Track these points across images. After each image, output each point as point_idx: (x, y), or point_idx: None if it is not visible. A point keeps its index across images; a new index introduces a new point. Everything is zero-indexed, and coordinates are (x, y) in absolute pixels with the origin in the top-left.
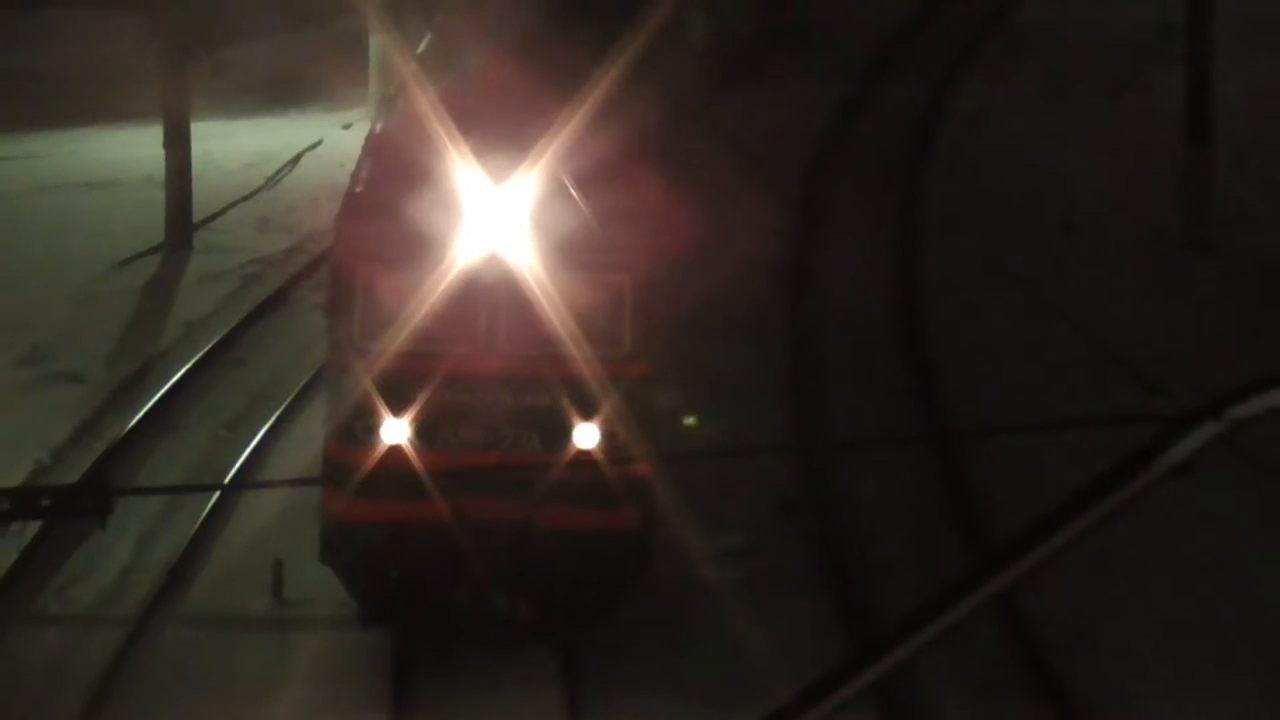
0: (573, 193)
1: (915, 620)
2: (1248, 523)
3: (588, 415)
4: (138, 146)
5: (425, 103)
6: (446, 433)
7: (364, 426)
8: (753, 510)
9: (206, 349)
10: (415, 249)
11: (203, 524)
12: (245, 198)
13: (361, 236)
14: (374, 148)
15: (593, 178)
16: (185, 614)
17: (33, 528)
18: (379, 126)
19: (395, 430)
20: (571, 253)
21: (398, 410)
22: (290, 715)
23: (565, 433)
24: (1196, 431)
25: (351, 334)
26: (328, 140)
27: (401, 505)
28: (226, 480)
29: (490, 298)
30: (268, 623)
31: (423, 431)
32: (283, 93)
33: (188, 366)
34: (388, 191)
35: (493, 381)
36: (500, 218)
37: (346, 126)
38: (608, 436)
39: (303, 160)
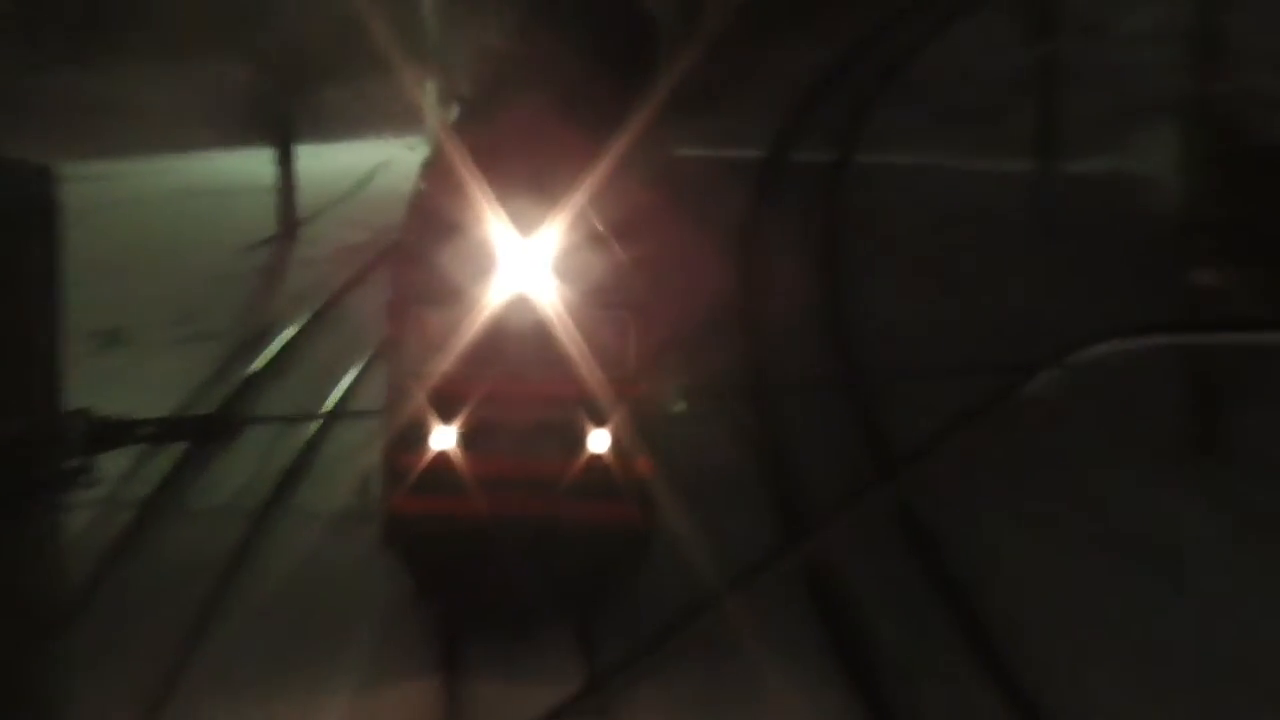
0: (586, 245)
1: (841, 505)
2: (1090, 446)
3: (599, 425)
4: (247, 165)
5: (462, 164)
6: (483, 441)
7: (416, 436)
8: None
9: (308, 315)
10: (456, 291)
11: (307, 444)
12: (336, 201)
13: (412, 282)
14: (420, 203)
15: (602, 231)
16: (294, 509)
17: (180, 447)
18: (422, 184)
19: (442, 439)
20: (585, 293)
21: (444, 420)
22: (372, 582)
23: (581, 440)
24: (1045, 373)
25: (405, 360)
26: (395, 160)
27: (447, 501)
28: (325, 409)
29: (519, 330)
30: (355, 517)
31: (464, 440)
32: (368, 120)
33: (296, 327)
34: (433, 243)
35: (521, 398)
36: (526, 265)
37: (410, 149)
38: (615, 443)
39: (376, 174)
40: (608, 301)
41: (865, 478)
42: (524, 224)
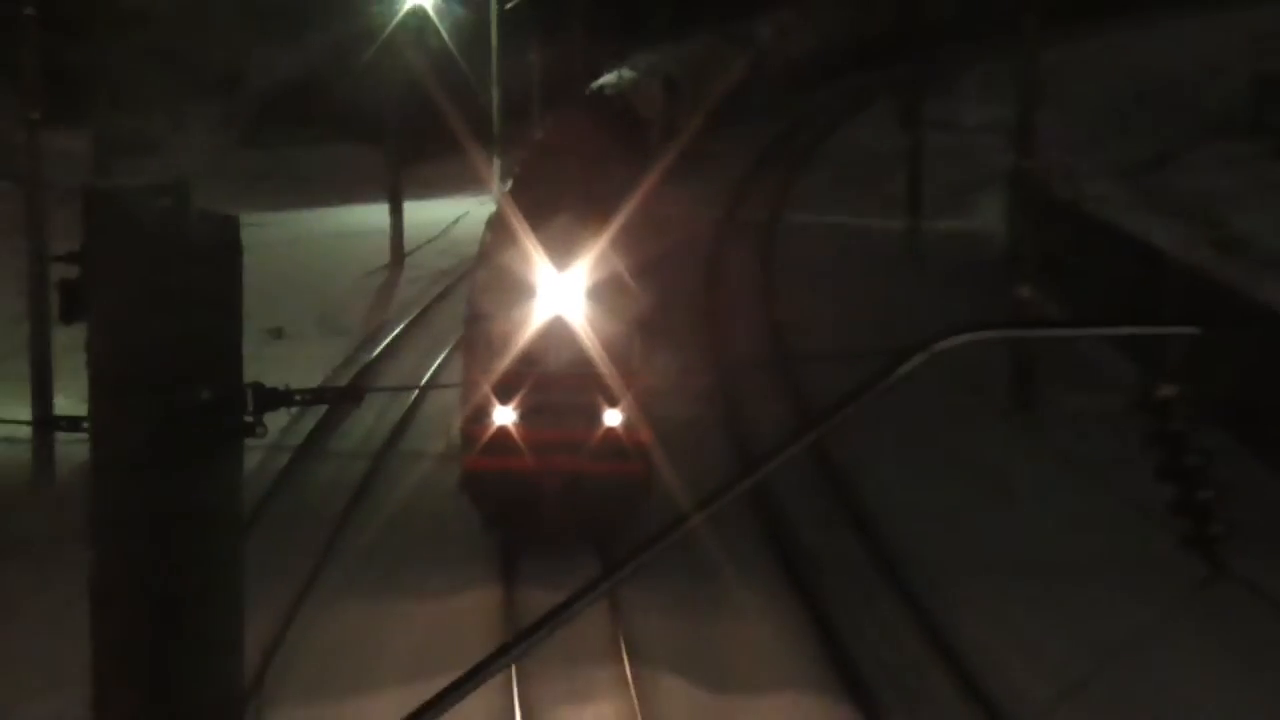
0: (604, 279)
1: (776, 450)
2: (946, 408)
3: (613, 405)
4: (371, 216)
5: (515, 219)
6: (532, 417)
7: (484, 413)
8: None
9: (410, 317)
10: (513, 312)
11: (411, 405)
12: (430, 240)
13: (483, 305)
14: (486, 249)
15: (616, 269)
16: (404, 451)
17: (323, 409)
18: (488, 234)
19: (503, 415)
20: (602, 311)
21: (504, 403)
22: (456, 504)
23: (600, 416)
24: (915, 356)
25: (477, 359)
26: (472, 211)
27: (506, 460)
28: (422, 383)
29: (557, 338)
30: (447, 457)
31: (518, 416)
32: (449, 186)
33: (402, 325)
34: (495, 277)
35: (558, 386)
36: (562, 293)
37: (481, 204)
38: (625, 418)
39: (458, 222)
40: (618, 319)
41: (794, 428)
42: (561, 264)
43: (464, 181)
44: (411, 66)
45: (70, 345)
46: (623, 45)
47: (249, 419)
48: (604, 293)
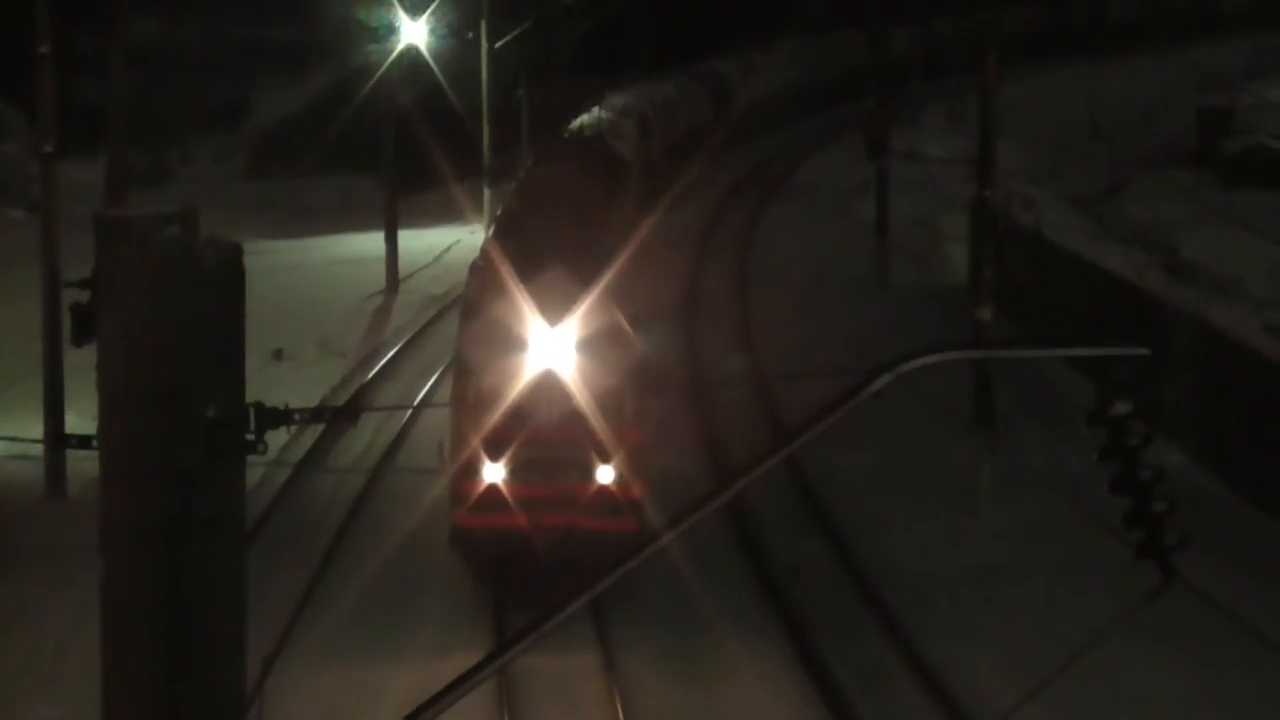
0: (596, 332)
1: (750, 465)
2: (913, 422)
3: (606, 461)
4: (368, 244)
5: (503, 271)
6: (523, 473)
7: (474, 469)
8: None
9: (404, 340)
10: (504, 363)
11: (404, 424)
12: (424, 267)
13: (473, 357)
14: (473, 300)
15: (607, 322)
16: (398, 466)
17: (319, 427)
18: (473, 283)
19: (493, 472)
20: (594, 365)
21: (494, 459)
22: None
23: (592, 472)
24: (882, 376)
25: (466, 413)
26: (463, 240)
27: (497, 517)
28: (416, 402)
29: (549, 392)
30: (436, 473)
31: (509, 472)
32: (442, 215)
33: (396, 348)
34: (483, 329)
35: (550, 442)
36: (554, 346)
37: (472, 232)
38: (618, 475)
39: (450, 249)
40: (611, 371)
41: (768, 441)
42: (551, 316)
43: (456, 211)
44: (407, 102)
45: (81, 366)
46: (604, 81)
47: (251, 436)
48: (596, 344)
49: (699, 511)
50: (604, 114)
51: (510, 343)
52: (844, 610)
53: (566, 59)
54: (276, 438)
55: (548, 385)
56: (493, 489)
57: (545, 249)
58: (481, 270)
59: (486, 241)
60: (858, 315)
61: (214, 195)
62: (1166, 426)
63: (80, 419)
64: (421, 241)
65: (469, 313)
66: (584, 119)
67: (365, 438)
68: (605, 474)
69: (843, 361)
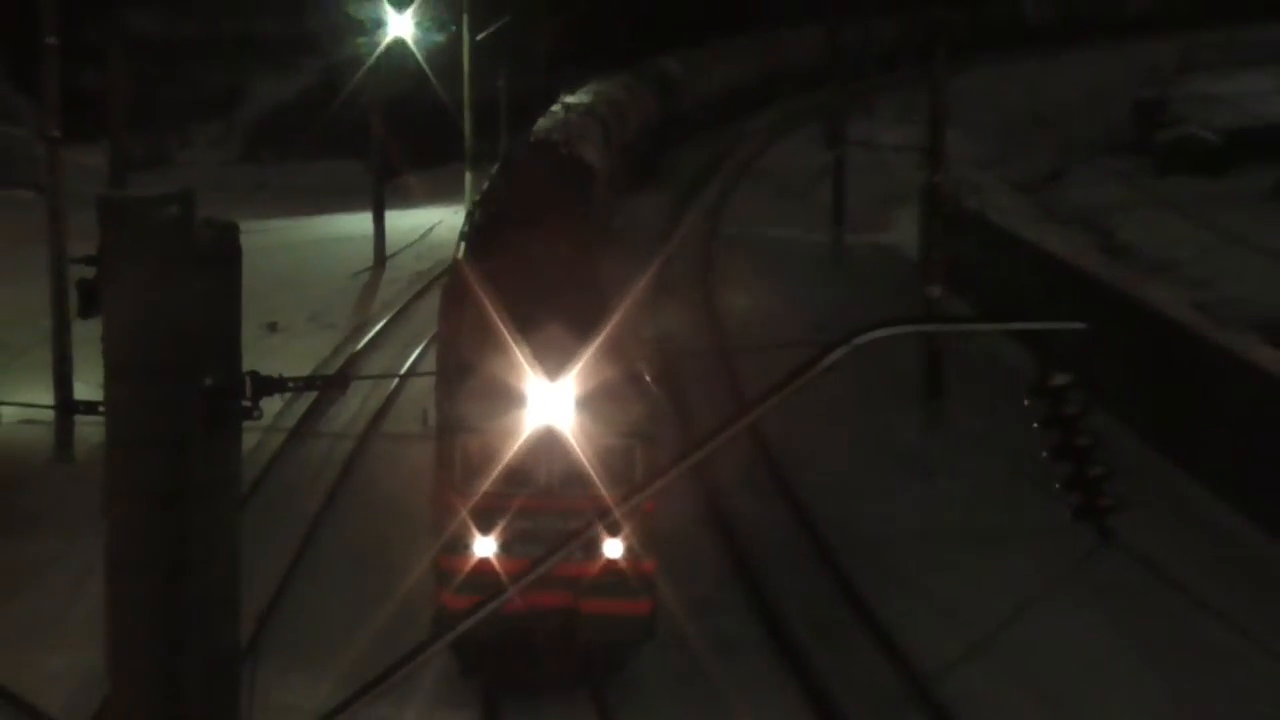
0: (598, 386)
1: (715, 431)
2: (866, 392)
3: (614, 534)
4: (355, 223)
5: (490, 315)
6: (518, 547)
7: (462, 543)
8: None
9: (391, 313)
10: (496, 424)
11: (391, 392)
12: (408, 245)
13: (460, 416)
14: (459, 355)
15: (609, 373)
16: (384, 433)
17: (311, 395)
18: (460, 336)
19: (484, 546)
20: (599, 425)
21: (485, 532)
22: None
23: (598, 547)
24: (839, 349)
25: (453, 479)
26: (445, 219)
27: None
28: (403, 371)
29: (547, 455)
30: (420, 436)
31: (502, 546)
32: (427, 195)
33: (383, 321)
34: (475, 385)
35: (549, 512)
36: (551, 403)
37: (454, 213)
38: (627, 549)
39: (433, 229)
40: (619, 431)
41: (732, 409)
42: (549, 369)
43: (438, 193)
44: (393, 91)
45: (88, 338)
46: (579, 72)
47: (247, 403)
48: (601, 398)
49: (665, 476)
50: (561, 115)
51: (503, 397)
52: (801, 568)
53: (543, 52)
54: (271, 404)
55: (546, 446)
56: (483, 565)
57: (535, 285)
58: (457, 297)
59: (462, 264)
60: (816, 292)
61: (211, 178)
62: (1103, 398)
63: (87, 387)
64: (406, 221)
65: (454, 366)
66: (543, 122)
67: (354, 405)
68: (613, 547)
69: (802, 334)
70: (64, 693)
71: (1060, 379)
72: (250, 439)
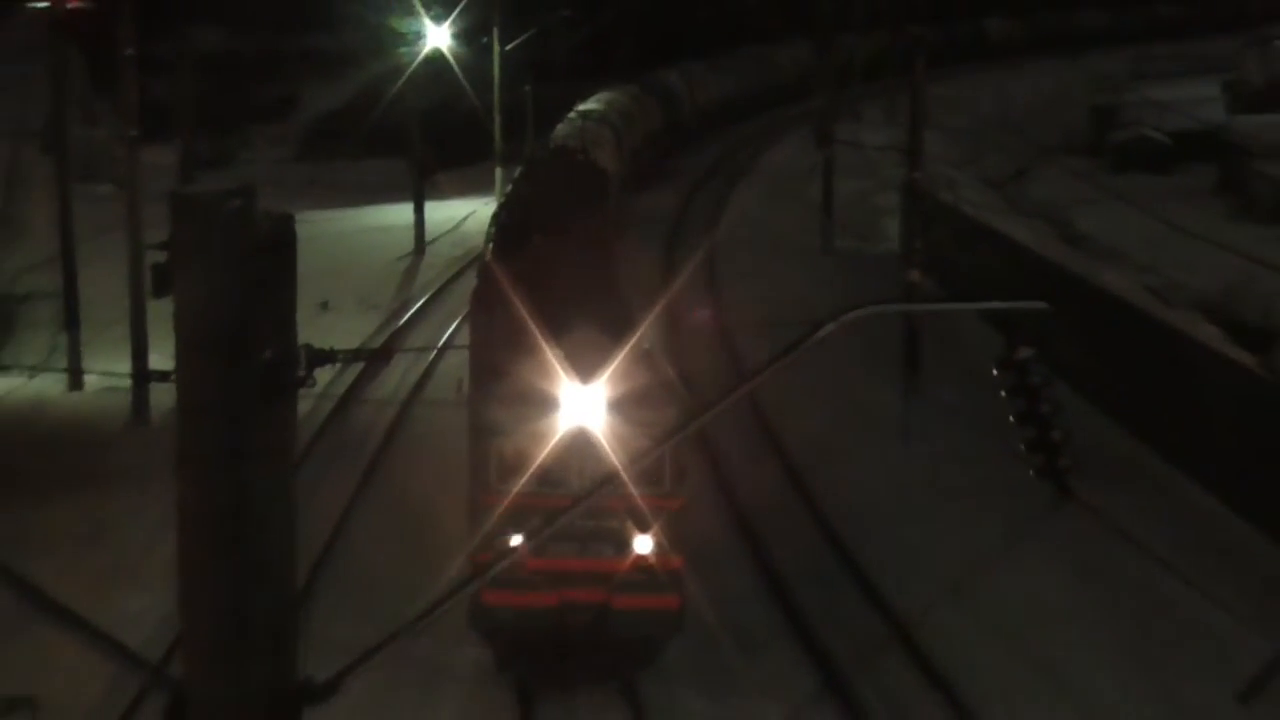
0: (628, 389)
1: (714, 401)
2: (852, 366)
3: (643, 531)
4: (398, 214)
5: (522, 317)
6: (550, 546)
7: (496, 540)
8: None
9: (429, 294)
10: (529, 427)
11: (429, 363)
12: (445, 233)
13: (494, 419)
14: (492, 358)
15: (636, 374)
16: (422, 399)
17: (358, 366)
18: (491, 339)
19: (519, 543)
20: (629, 425)
21: (519, 529)
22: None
23: (628, 543)
24: (827, 326)
25: (488, 479)
26: (477, 211)
27: (522, 594)
28: (440, 344)
29: (578, 455)
30: (455, 403)
31: (536, 544)
32: (460, 190)
33: (421, 301)
34: (509, 389)
35: (581, 510)
36: (583, 406)
37: (486, 205)
38: (656, 545)
39: (467, 219)
40: (649, 434)
41: (730, 381)
42: (579, 372)
43: (470, 188)
44: (430, 97)
45: (161, 315)
46: (591, 84)
47: (302, 374)
48: (632, 401)
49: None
50: (584, 124)
51: (536, 401)
52: (791, 519)
53: (565, 61)
54: (323, 375)
55: (577, 446)
56: (518, 562)
57: (565, 289)
58: (487, 301)
59: (491, 267)
60: (807, 277)
61: (269, 175)
62: (1063, 371)
63: (161, 358)
64: (443, 212)
65: (486, 369)
66: (565, 129)
67: (397, 375)
68: (643, 544)
69: (794, 314)
70: (142, 631)
71: (1024, 353)
72: (305, 405)
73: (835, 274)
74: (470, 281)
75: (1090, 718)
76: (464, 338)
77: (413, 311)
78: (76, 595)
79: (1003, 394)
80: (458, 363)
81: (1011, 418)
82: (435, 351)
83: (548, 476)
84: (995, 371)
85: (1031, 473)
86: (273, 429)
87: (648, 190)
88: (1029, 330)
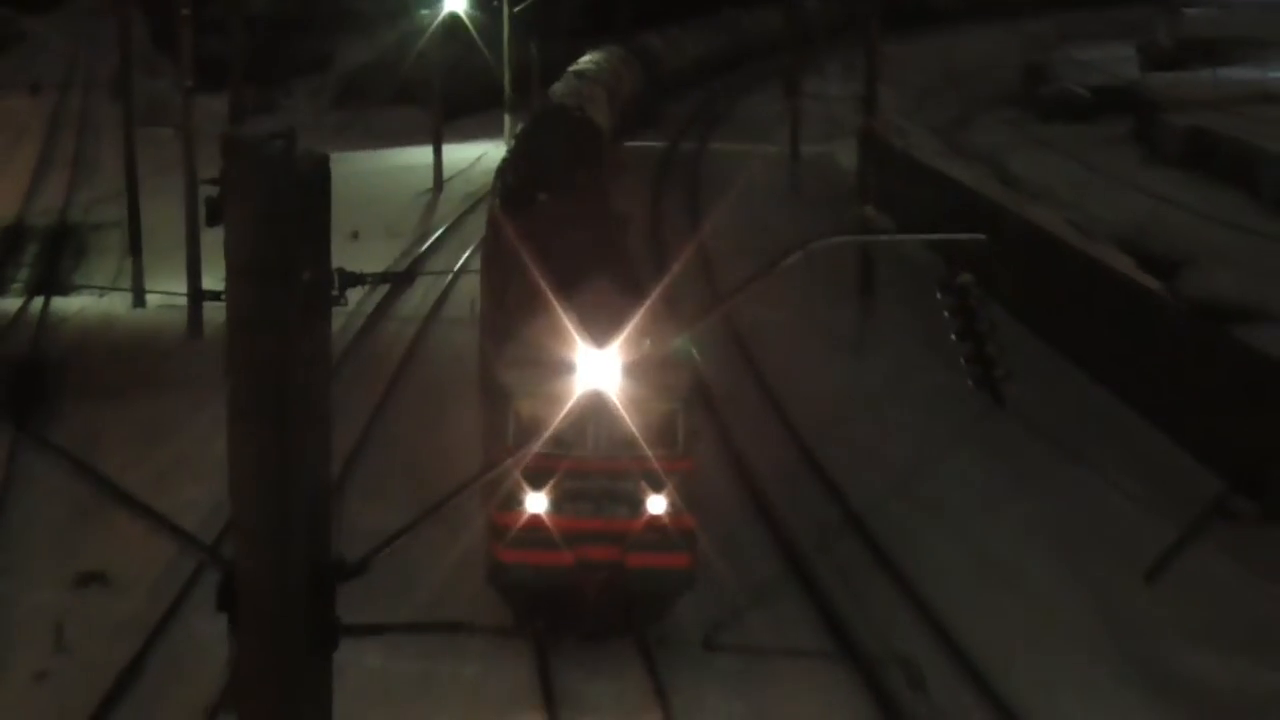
0: (644, 350)
1: (693, 317)
2: (814, 289)
3: (656, 491)
4: (419, 156)
5: (540, 281)
6: (567, 505)
7: (515, 500)
8: None
9: (446, 225)
10: (547, 387)
11: (447, 285)
12: (460, 172)
13: (515, 380)
14: (508, 320)
15: (652, 338)
16: (440, 318)
17: (385, 287)
18: (505, 298)
19: (535, 503)
20: (644, 389)
21: (536, 490)
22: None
23: (642, 503)
24: (794, 253)
25: (507, 440)
26: (488, 153)
27: (540, 552)
28: (456, 268)
29: (594, 418)
30: (466, 322)
31: (553, 504)
32: (475, 133)
33: (439, 231)
34: (528, 350)
35: (596, 472)
36: (600, 368)
37: (496, 147)
38: (669, 505)
39: (479, 160)
40: (663, 397)
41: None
42: (596, 336)
43: (482, 132)
44: (449, 53)
45: (213, 242)
46: (594, 41)
47: (336, 293)
48: (647, 364)
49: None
50: (580, 83)
51: (553, 364)
52: (759, 420)
53: (567, 23)
54: (354, 294)
55: (594, 409)
56: (535, 521)
57: (576, 249)
58: (499, 259)
59: (501, 224)
60: (776, 212)
61: (308, 121)
62: (997, 294)
63: (213, 280)
64: (458, 154)
65: (503, 330)
66: (562, 86)
67: (418, 295)
68: (657, 504)
69: (764, 243)
70: (198, 516)
71: (964, 278)
72: (338, 321)
73: (801, 210)
74: (479, 216)
75: (1017, 594)
76: (476, 263)
77: (432, 240)
78: (141, 485)
79: (945, 314)
80: (471, 285)
81: (952, 335)
82: (452, 275)
83: (565, 437)
84: (939, 294)
85: (970, 382)
86: (311, 341)
87: (637, 138)
88: (968, 258)
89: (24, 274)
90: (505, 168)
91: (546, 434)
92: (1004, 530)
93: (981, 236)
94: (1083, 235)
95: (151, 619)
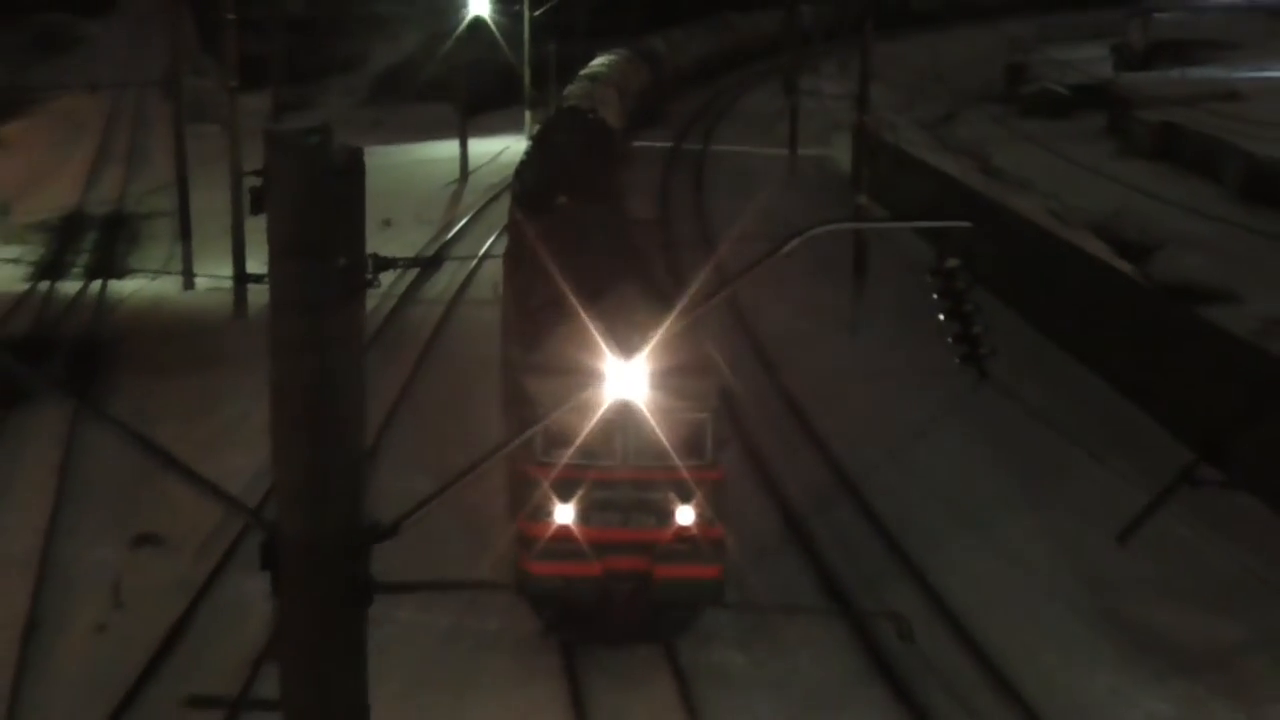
0: (671, 362)
1: (707, 296)
2: (809, 273)
3: (685, 502)
4: (446, 149)
5: (566, 289)
6: (596, 516)
7: (543, 511)
8: None
9: (471, 214)
10: (573, 399)
11: (473, 268)
12: (484, 164)
13: (540, 390)
14: (534, 328)
15: (680, 348)
16: (467, 300)
17: (415, 271)
18: (529, 305)
19: (564, 514)
20: (673, 399)
21: (565, 500)
22: (494, 335)
23: (670, 514)
24: (794, 239)
25: (534, 450)
26: (511, 146)
27: (568, 563)
28: (480, 253)
29: (623, 428)
30: (491, 302)
31: (581, 515)
32: (498, 128)
33: (466, 219)
34: (554, 361)
35: (625, 482)
36: (628, 377)
37: (519, 141)
38: (698, 516)
39: (502, 153)
40: (691, 406)
41: (711, 288)
42: (625, 346)
43: (505, 127)
44: (473, 53)
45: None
46: (608, 42)
47: (369, 276)
48: (675, 374)
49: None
50: (586, 85)
51: (581, 374)
52: (759, 391)
53: (583, 25)
54: (387, 278)
55: (622, 419)
56: (563, 531)
57: (599, 253)
58: (523, 264)
59: (523, 227)
60: (777, 200)
61: (342, 117)
62: (982, 278)
63: (256, 264)
64: (483, 148)
65: (529, 337)
66: (576, 88)
67: (445, 279)
68: (685, 515)
69: (766, 229)
70: (243, 482)
71: (952, 262)
72: (372, 303)
73: (799, 198)
74: (502, 205)
75: (998, 554)
76: (498, 249)
77: (458, 227)
78: (191, 453)
79: (934, 296)
80: (495, 269)
81: (940, 315)
82: (477, 259)
83: (593, 448)
84: (928, 277)
85: (956, 360)
86: (346, 321)
87: (644, 135)
88: (955, 244)
89: (83, 259)
90: (523, 169)
91: (574, 444)
92: (988, 496)
93: (968, 224)
94: (1061, 223)
95: (200, 577)
